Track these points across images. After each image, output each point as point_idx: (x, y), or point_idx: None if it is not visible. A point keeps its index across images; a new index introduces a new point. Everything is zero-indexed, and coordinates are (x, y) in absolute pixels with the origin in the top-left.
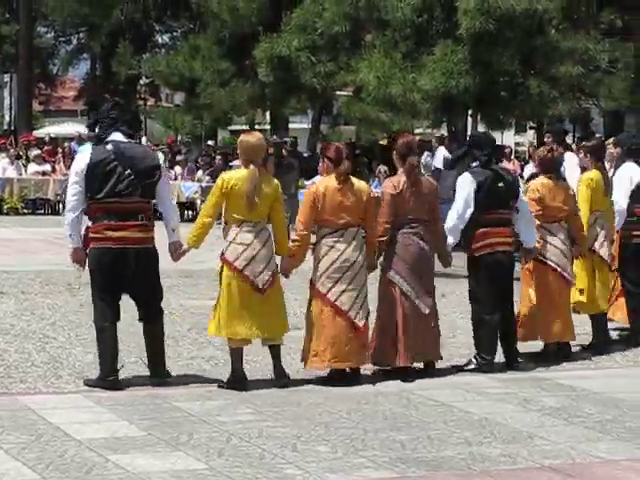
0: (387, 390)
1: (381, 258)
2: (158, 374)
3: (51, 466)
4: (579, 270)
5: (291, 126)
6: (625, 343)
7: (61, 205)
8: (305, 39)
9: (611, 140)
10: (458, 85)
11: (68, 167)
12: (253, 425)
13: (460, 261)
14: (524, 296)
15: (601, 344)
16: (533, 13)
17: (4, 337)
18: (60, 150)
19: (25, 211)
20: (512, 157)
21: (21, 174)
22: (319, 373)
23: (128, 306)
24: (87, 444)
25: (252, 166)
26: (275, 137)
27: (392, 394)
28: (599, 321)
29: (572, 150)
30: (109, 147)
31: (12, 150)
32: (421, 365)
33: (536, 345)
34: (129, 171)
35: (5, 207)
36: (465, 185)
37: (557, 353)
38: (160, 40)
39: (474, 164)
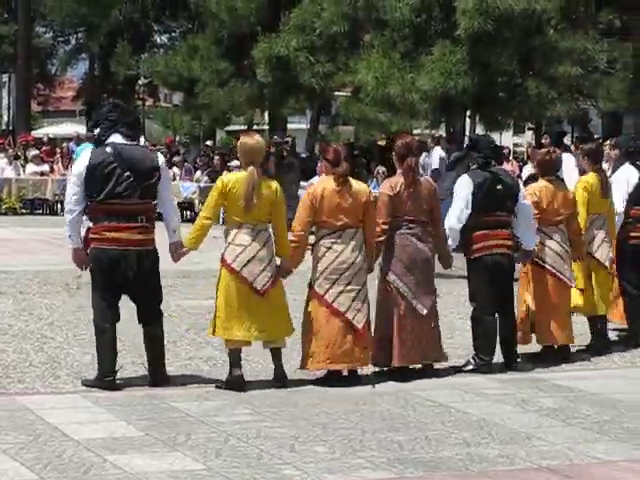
0: (385, 391)
1: (380, 259)
2: (158, 378)
3: (49, 466)
4: (576, 273)
5: (289, 126)
6: (623, 344)
7: (59, 205)
8: (304, 39)
9: (608, 142)
10: (456, 85)
11: (66, 167)
12: (251, 425)
13: (458, 262)
14: (521, 299)
15: (600, 346)
16: (531, 13)
17: (2, 337)
18: (58, 150)
19: (23, 211)
20: (510, 158)
21: (19, 174)
22: (317, 374)
23: (126, 307)
24: (85, 444)
25: (251, 168)
26: (276, 137)
27: (390, 395)
28: (598, 323)
29: (570, 151)
30: (108, 149)
31: (10, 150)
32: (419, 366)
33: (534, 346)
34: (128, 173)
35: (3, 207)
36: (463, 187)
37: (556, 355)
38: (159, 40)
39: (473, 166)
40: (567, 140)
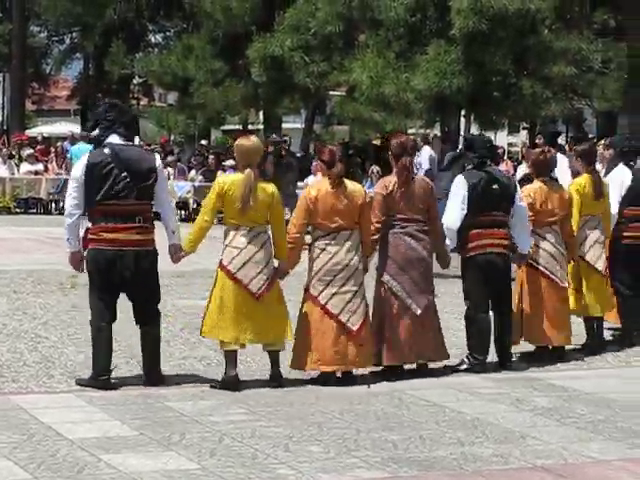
0: (379, 390)
1: (375, 259)
2: (153, 378)
3: (43, 465)
4: (569, 274)
5: (284, 126)
6: (617, 344)
7: (53, 204)
8: (298, 39)
9: (602, 142)
10: (451, 85)
11: (60, 167)
12: (246, 425)
13: (454, 261)
14: (515, 299)
15: (594, 346)
16: (526, 13)
17: None
18: (53, 150)
19: (17, 210)
20: (505, 158)
21: (13, 173)
22: (311, 373)
23: (122, 306)
24: (79, 444)
25: (248, 170)
26: (275, 136)
27: (384, 394)
28: (592, 324)
29: (564, 151)
30: (106, 150)
31: (4, 149)
32: (414, 365)
33: (529, 345)
34: (125, 173)
35: None
36: (459, 187)
37: (551, 354)
38: (153, 40)
39: (469, 166)
40: (562, 140)
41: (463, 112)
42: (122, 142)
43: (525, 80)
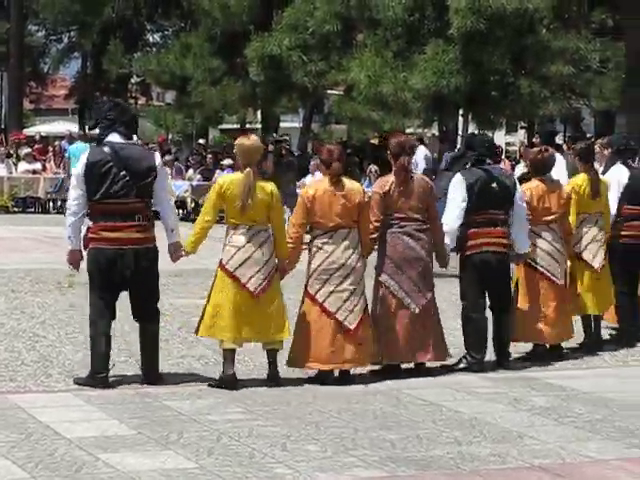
0: (377, 389)
1: (374, 258)
2: (151, 377)
3: (41, 465)
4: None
5: (282, 125)
6: (615, 343)
7: (51, 203)
8: (296, 38)
9: (599, 141)
10: (449, 84)
11: (58, 166)
12: (243, 424)
13: (453, 261)
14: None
15: (592, 345)
16: (524, 12)
17: None
18: (51, 149)
19: (15, 209)
20: (503, 157)
21: (11, 172)
22: (309, 372)
23: (121, 305)
24: (77, 443)
25: (248, 169)
26: (275, 135)
27: (382, 393)
28: (589, 323)
29: (562, 151)
30: (106, 149)
31: (2, 148)
32: (411, 365)
33: (527, 345)
34: (124, 172)
35: None
36: (457, 186)
37: (551, 353)
38: (151, 38)
39: (468, 164)
40: (560, 139)
41: (461, 111)
42: (122, 141)
43: (523, 79)
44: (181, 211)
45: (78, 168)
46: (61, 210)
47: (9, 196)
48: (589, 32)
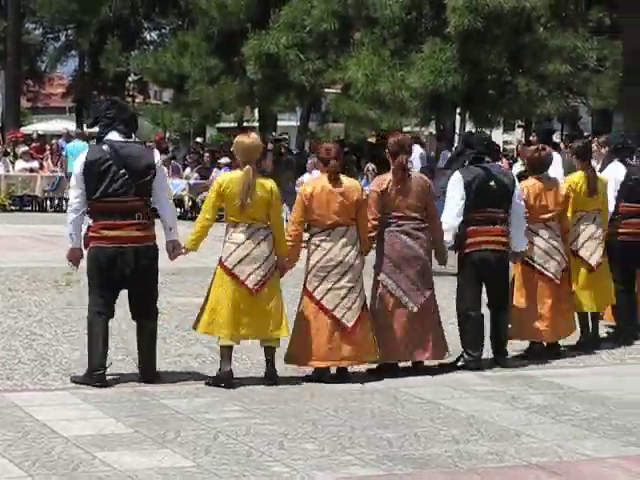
0: (374, 388)
1: (373, 256)
2: (149, 375)
3: (37, 463)
4: None
5: (280, 123)
6: (612, 341)
7: (48, 202)
8: (293, 36)
9: (596, 139)
10: (446, 83)
11: (55, 164)
12: (240, 422)
13: (451, 259)
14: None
15: (589, 342)
16: (521, 11)
17: None
18: (48, 147)
19: (12, 208)
20: (500, 155)
21: (8, 171)
22: (306, 370)
23: (118, 303)
24: (74, 441)
25: (247, 167)
26: (275, 134)
27: (379, 392)
28: (586, 321)
29: (560, 149)
30: (105, 147)
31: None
32: (409, 363)
33: (524, 342)
34: (123, 170)
35: None
36: (454, 184)
37: (548, 351)
38: (148, 37)
39: (467, 162)
40: (557, 138)
41: (458, 110)
42: (121, 139)
43: (520, 78)
44: (178, 209)
45: (77, 167)
46: (58, 208)
47: (6, 194)
48: (586, 31)
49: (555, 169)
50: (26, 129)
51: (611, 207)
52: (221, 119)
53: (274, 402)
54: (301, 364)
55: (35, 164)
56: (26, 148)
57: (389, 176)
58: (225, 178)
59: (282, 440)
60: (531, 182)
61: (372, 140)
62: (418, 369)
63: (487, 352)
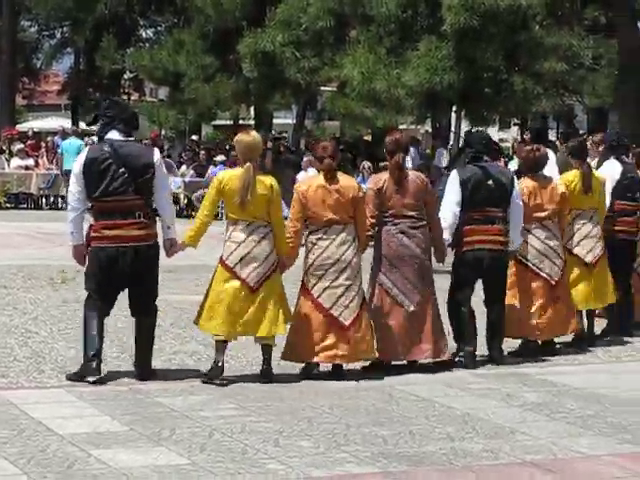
0: (369, 385)
1: (371, 255)
2: (145, 372)
3: (32, 461)
4: None
5: (275, 121)
6: (607, 338)
7: (44, 199)
8: (289, 34)
9: (591, 138)
10: (442, 81)
11: (51, 162)
12: (236, 420)
13: (449, 257)
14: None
15: (585, 340)
16: (517, 9)
17: None
18: (43, 144)
19: (8, 205)
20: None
21: (4, 168)
22: (299, 366)
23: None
24: (69, 439)
25: (247, 165)
26: (274, 132)
27: (374, 389)
28: (580, 319)
29: (555, 147)
30: (105, 146)
31: None
32: (404, 361)
33: (518, 341)
34: (123, 169)
35: None
36: (451, 182)
37: (543, 349)
38: (144, 34)
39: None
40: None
41: (454, 108)
42: (121, 138)
43: (516, 76)
44: (174, 207)
45: (77, 166)
46: (54, 206)
47: (1, 192)
48: (582, 29)
49: (549, 167)
50: (21, 127)
51: (607, 205)
52: (217, 117)
53: (269, 400)
54: (298, 361)
55: (30, 162)
56: (21, 146)
57: (385, 175)
58: (225, 175)
59: (277, 438)
60: (525, 181)
61: (368, 138)
62: (412, 367)
63: (483, 350)
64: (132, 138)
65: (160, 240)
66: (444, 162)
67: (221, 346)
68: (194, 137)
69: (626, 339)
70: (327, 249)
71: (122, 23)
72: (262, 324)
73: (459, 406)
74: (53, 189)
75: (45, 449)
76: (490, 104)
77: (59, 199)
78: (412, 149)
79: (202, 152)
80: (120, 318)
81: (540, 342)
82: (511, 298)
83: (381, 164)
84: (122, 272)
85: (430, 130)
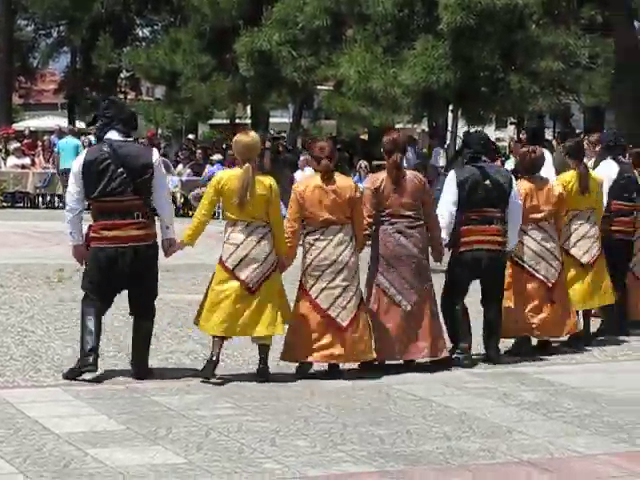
0: (366, 384)
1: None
2: (142, 372)
3: (29, 460)
4: None
5: (272, 120)
6: (602, 337)
7: (40, 198)
8: (286, 33)
9: (587, 138)
10: (439, 80)
11: (47, 160)
12: (232, 419)
13: (446, 257)
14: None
15: (581, 340)
16: (513, 8)
17: None
18: (40, 143)
19: (4, 204)
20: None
21: (0, 167)
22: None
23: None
24: (65, 438)
25: (247, 165)
26: (273, 132)
27: (371, 388)
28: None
29: (551, 147)
30: (104, 146)
31: None
32: (401, 360)
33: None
34: (121, 169)
35: None
36: (449, 182)
37: (540, 349)
38: (141, 33)
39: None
40: (549, 135)
41: (451, 107)
42: (120, 138)
43: (513, 75)
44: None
45: (76, 166)
46: (50, 205)
47: None
48: (578, 28)
49: (546, 168)
50: (18, 126)
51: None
52: (213, 116)
53: (266, 399)
54: (295, 361)
55: (27, 161)
56: (18, 145)
57: (383, 174)
58: (224, 175)
59: (274, 437)
60: (522, 183)
61: (365, 137)
62: (409, 366)
63: (480, 349)
64: (131, 138)
65: (159, 240)
66: (441, 161)
67: (217, 342)
68: (191, 136)
69: (622, 338)
70: (324, 250)
71: (119, 22)
72: (260, 324)
73: (456, 405)
74: (49, 188)
75: (41, 448)
76: (487, 103)
77: (55, 198)
78: (409, 148)
79: (199, 151)
80: (117, 317)
81: (536, 342)
82: (506, 300)
83: (375, 163)
84: (121, 272)
85: (427, 129)
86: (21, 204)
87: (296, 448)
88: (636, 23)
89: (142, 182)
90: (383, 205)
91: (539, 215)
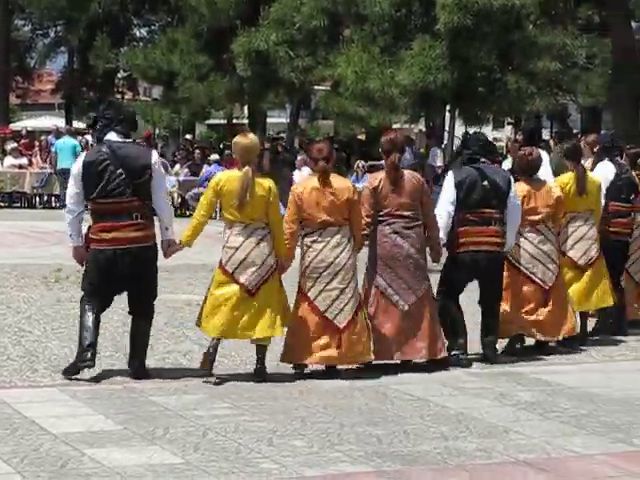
0: (363, 385)
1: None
2: (140, 372)
3: (26, 460)
4: None
5: (269, 120)
6: (599, 337)
7: (37, 198)
8: (283, 33)
9: (584, 138)
10: (436, 80)
11: (45, 160)
12: (229, 419)
13: (444, 257)
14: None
15: (578, 340)
16: (511, 8)
17: None
18: (37, 143)
19: (1, 204)
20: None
21: None
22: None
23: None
24: (62, 438)
25: (246, 167)
26: (272, 133)
27: (368, 389)
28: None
29: (548, 147)
30: (103, 147)
31: None
32: (398, 360)
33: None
34: (120, 170)
35: None
36: (447, 183)
37: (537, 349)
38: (138, 34)
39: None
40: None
41: (448, 107)
42: (120, 139)
43: (510, 75)
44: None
45: (76, 167)
46: (47, 205)
47: None
48: (575, 28)
49: (544, 168)
50: (15, 126)
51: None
52: (210, 116)
53: (263, 399)
54: (294, 362)
55: (24, 161)
56: (15, 145)
57: (381, 174)
58: (223, 177)
59: (271, 437)
60: (520, 185)
61: (362, 137)
62: (407, 366)
63: (477, 349)
64: (130, 139)
65: (158, 241)
66: (438, 161)
67: (215, 339)
68: (188, 136)
69: (619, 338)
70: (321, 252)
71: (116, 22)
72: (260, 327)
73: (453, 405)
74: (46, 188)
75: (38, 448)
76: (484, 103)
77: (52, 198)
78: (407, 149)
79: (196, 151)
80: (114, 317)
81: (533, 342)
82: (503, 302)
83: (369, 162)
84: (121, 274)
85: (424, 129)
86: (18, 204)
87: (293, 448)
88: (633, 23)
89: (141, 183)
90: (381, 205)
91: (536, 217)
